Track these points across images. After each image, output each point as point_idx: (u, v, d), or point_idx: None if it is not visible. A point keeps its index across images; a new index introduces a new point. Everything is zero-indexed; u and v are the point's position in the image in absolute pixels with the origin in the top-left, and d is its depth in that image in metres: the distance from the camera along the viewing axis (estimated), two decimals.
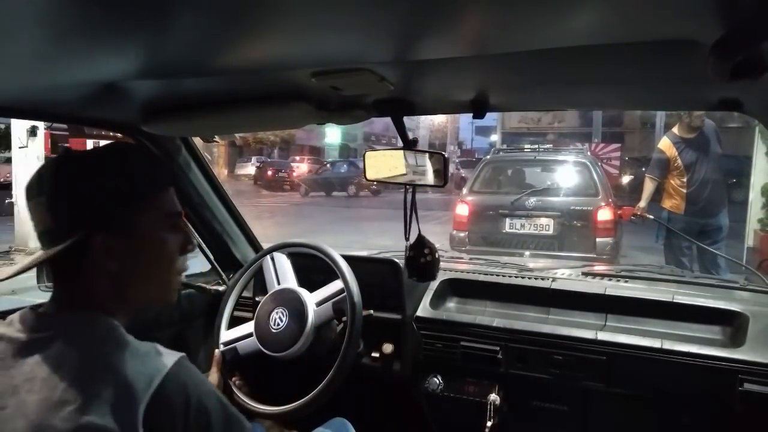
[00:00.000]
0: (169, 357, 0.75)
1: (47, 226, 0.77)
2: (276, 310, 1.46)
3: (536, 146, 6.40)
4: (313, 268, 1.55)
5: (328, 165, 21.84)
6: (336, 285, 1.44)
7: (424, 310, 1.65)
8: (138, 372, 0.71)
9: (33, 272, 0.79)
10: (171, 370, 0.73)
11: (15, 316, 0.78)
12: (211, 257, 1.86)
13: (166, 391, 0.71)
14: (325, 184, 19.43)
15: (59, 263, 0.79)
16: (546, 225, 5.36)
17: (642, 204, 4.35)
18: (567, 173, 5.85)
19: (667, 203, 4.44)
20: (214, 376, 1.41)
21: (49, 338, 0.73)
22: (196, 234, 1.81)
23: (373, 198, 18.17)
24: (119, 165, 0.80)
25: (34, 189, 0.78)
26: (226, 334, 1.55)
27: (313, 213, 14.14)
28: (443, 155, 1.27)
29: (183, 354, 0.77)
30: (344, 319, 1.42)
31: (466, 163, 20.79)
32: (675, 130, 4.43)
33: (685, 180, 4.30)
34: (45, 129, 7.74)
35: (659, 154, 4.44)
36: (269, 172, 21.48)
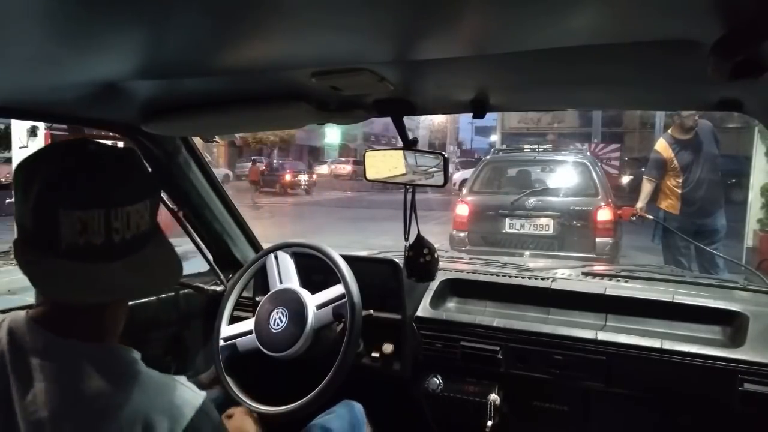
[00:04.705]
0: (193, 395, 0.74)
1: (144, 227, 0.73)
2: (276, 310, 1.46)
3: (536, 146, 6.39)
4: (313, 268, 1.55)
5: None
6: (337, 289, 1.44)
7: (424, 310, 1.65)
8: (162, 413, 0.69)
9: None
10: (196, 414, 0.71)
11: (9, 324, 0.72)
12: (209, 257, 1.85)
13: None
14: (270, 183, 21.26)
15: None
16: (546, 225, 5.35)
17: (640, 204, 4.36)
18: (567, 173, 5.84)
19: (663, 203, 4.46)
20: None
21: (66, 366, 0.69)
22: (195, 234, 1.81)
23: (305, 196, 19.80)
24: (140, 160, 0.81)
25: (133, 193, 0.72)
26: (226, 330, 1.55)
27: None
28: (443, 155, 1.27)
29: (205, 394, 0.76)
30: (344, 320, 1.42)
31: (466, 163, 20.86)
32: (671, 131, 4.45)
33: (680, 181, 4.31)
34: (45, 129, 7.73)
35: (656, 155, 4.45)
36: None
